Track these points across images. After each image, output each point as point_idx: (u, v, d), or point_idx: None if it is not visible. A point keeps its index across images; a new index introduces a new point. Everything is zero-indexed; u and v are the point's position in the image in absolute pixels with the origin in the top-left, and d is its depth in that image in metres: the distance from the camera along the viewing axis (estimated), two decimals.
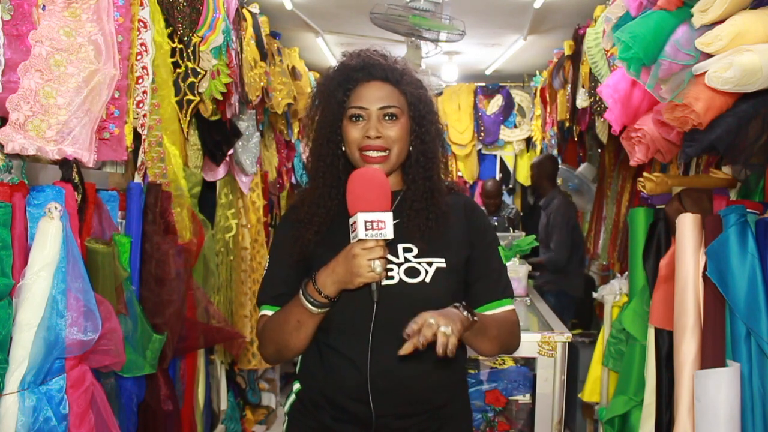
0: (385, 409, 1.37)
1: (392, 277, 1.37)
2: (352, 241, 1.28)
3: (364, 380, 1.35)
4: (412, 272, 1.39)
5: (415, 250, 1.41)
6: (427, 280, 1.38)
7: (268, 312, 1.45)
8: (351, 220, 1.29)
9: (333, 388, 1.41)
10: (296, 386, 1.51)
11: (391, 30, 3.79)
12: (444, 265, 1.40)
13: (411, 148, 1.43)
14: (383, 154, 1.38)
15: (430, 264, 1.40)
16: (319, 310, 1.34)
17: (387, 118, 1.39)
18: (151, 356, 1.70)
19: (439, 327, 1.16)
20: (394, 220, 1.32)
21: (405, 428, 1.41)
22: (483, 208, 4.30)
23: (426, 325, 1.17)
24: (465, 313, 1.25)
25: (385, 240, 1.27)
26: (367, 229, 1.25)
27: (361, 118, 1.39)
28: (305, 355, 1.47)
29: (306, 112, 1.51)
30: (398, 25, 3.71)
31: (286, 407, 1.53)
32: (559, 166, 4.70)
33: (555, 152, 4.98)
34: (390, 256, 1.36)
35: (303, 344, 1.40)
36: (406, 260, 1.40)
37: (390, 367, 1.36)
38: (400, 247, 1.40)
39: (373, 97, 1.39)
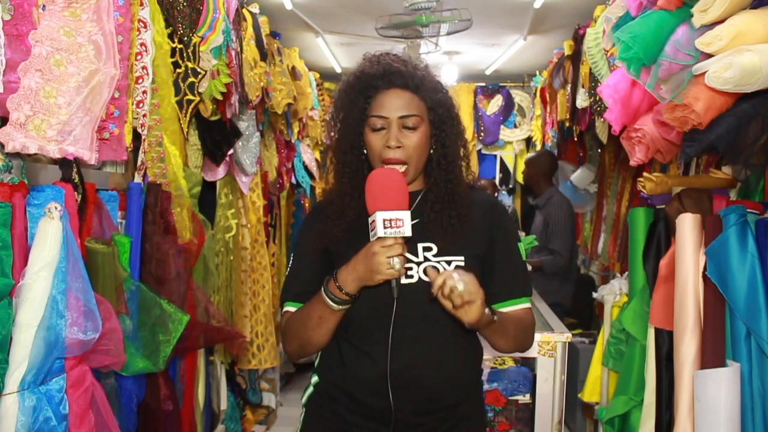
0: (403, 404, 1.40)
1: (412, 276, 1.41)
2: (371, 240, 1.32)
3: (383, 376, 1.38)
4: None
5: (435, 249, 1.43)
6: None
7: (291, 308, 1.49)
8: (370, 219, 1.32)
9: (351, 382, 1.45)
10: (314, 379, 1.55)
11: (402, 37, 3.80)
12: (463, 264, 1.42)
13: (432, 151, 1.46)
14: (403, 168, 1.41)
15: (449, 263, 1.42)
16: (340, 307, 1.37)
17: (407, 126, 1.41)
18: (175, 340, 1.69)
19: (455, 286, 1.24)
20: (414, 219, 1.36)
21: (421, 424, 1.44)
22: None
23: (448, 275, 1.25)
24: (487, 310, 1.30)
25: (404, 237, 1.31)
26: (385, 227, 1.29)
27: (381, 128, 1.41)
28: (324, 349, 1.50)
29: (323, 120, 1.55)
30: (407, 30, 3.71)
31: (304, 399, 1.57)
32: (559, 162, 4.64)
33: (555, 152, 4.96)
34: (410, 255, 1.40)
35: (325, 340, 1.44)
36: (426, 259, 1.42)
37: (409, 363, 1.40)
38: (420, 246, 1.43)
39: (394, 105, 1.40)
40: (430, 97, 1.43)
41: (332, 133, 1.50)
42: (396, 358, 1.38)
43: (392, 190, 1.32)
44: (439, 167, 1.45)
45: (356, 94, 1.43)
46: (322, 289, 1.38)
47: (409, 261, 1.40)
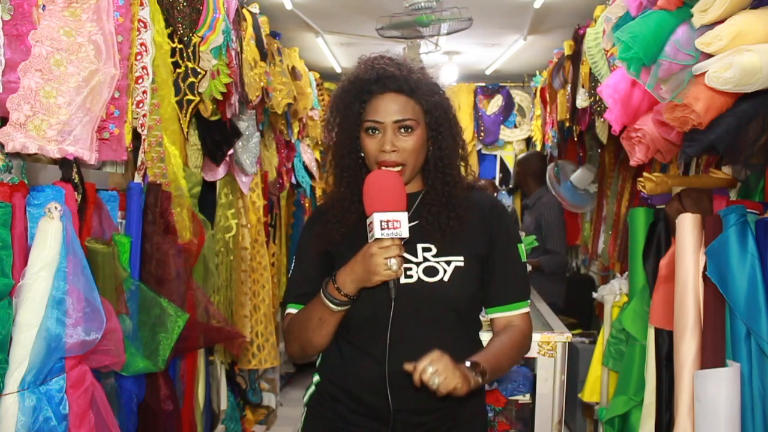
0: (402, 403, 1.41)
1: (411, 276, 1.41)
2: (369, 241, 1.33)
3: (382, 375, 1.39)
4: (431, 271, 1.42)
5: (434, 250, 1.44)
6: (446, 278, 1.42)
7: (293, 310, 1.50)
8: (368, 221, 1.33)
9: (352, 381, 1.45)
10: (316, 378, 1.56)
11: (402, 37, 3.80)
12: (462, 264, 1.43)
13: (429, 154, 1.46)
14: (399, 168, 1.41)
15: (448, 263, 1.43)
16: (340, 308, 1.39)
17: (402, 130, 1.41)
18: (174, 339, 1.69)
19: (432, 379, 1.22)
20: (413, 221, 1.39)
21: (421, 423, 1.44)
22: None
23: (423, 370, 1.23)
24: (473, 374, 1.28)
25: (401, 239, 1.31)
26: (382, 229, 1.30)
27: (377, 131, 1.42)
28: (326, 349, 1.51)
29: (323, 122, 1.55)
30: (408, 30, 3.71)
31: (305, 398, 1.58)
32: (560, 161, 4.66)
33: (555, 152, 4.96)
34: (409, 256, 1.41)
35: (325, 341, 1.45)
36: (425, 259, 1.43)
37: (405, 363, 1.38)
38: (419, 246, 1.44)
39: (388, 110, 1.41)
40: (426, 100, 1.43)
41: (330, 137, 1.51)
42: (394, 358, 1.38)
43: (389, 191, 1.33)
44: (436, 169, 1.45)
45: (351, 99, 1.44)
46: (321, 290, 1.39)
47: (409, 261, 1.41)
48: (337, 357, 1.49)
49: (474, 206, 1.48)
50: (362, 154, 1.45)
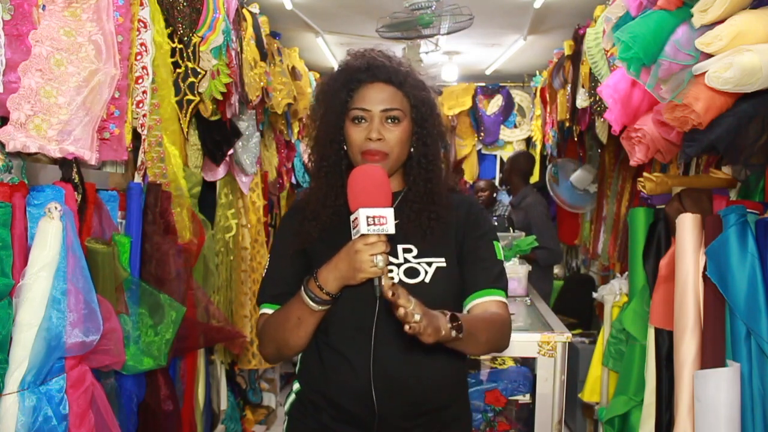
0: (386, 409, 1.37)
1: (392, 278, 1.37)
2: (353, 237, 1.28)
3: (365, 380, 1.35)
4: (412, 272, 1.39)
5: (415, 251, 1.41)
6: (427, 280, 1.39)
7: (268, 310, 1.45)
8: (352, 216, 1.28)
9: (333, 388, 1.41)
10: (296, 386, 1.51)
11: (403, 38, 3.80)
12: (444, 265, 1.40)
13: (412, 150, 1.43)
14: (381, 158, 1.38)
15: (429, 264, 1.40)
16: (320, 307, 1.34)
17: (389, 120, 1.39)
18: (173, 332, 1.68)
19: (413, 315, 1.13)
20: (394, 220, 1.32)
21: (406, 429, 1.41)
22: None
23: (410, 314, 1.14)
24: (449, 325, 1.20)
25: (387, 235, 1.27)
26: (369, 225, 1.25)
27: (363, 120, 1.39)
28: (305, 355, 1.48)
29: (309, 110, 1.52)
30: (408, 30, 3.71)
31: (286, 407, 1.54)
32: (560, 160, 4.69)
33: (555, 152, 4.97)
34: (390, 258, 1.36)
35: (303, 342, 1.40)
36: (406, 261, 1.40)
37: (391, 367, 1.36)
38: (399, 247, 1.40)
39: (376, 99, 1.38)
40: (414, 95, 1.41)
41: (313, 126, 1.47)
42: (379, 362, 1.35)
43: (375, 186, 1.29)
44: (419, 166, 1.43)
45: (339, 87, 1.40)
46: (302, 288, 1.34)
47: (390, 263, 1.36)
48: (317, 363, 1.44)
49: (454, 207, 1.45)
50: (344, 146, 1.42)
